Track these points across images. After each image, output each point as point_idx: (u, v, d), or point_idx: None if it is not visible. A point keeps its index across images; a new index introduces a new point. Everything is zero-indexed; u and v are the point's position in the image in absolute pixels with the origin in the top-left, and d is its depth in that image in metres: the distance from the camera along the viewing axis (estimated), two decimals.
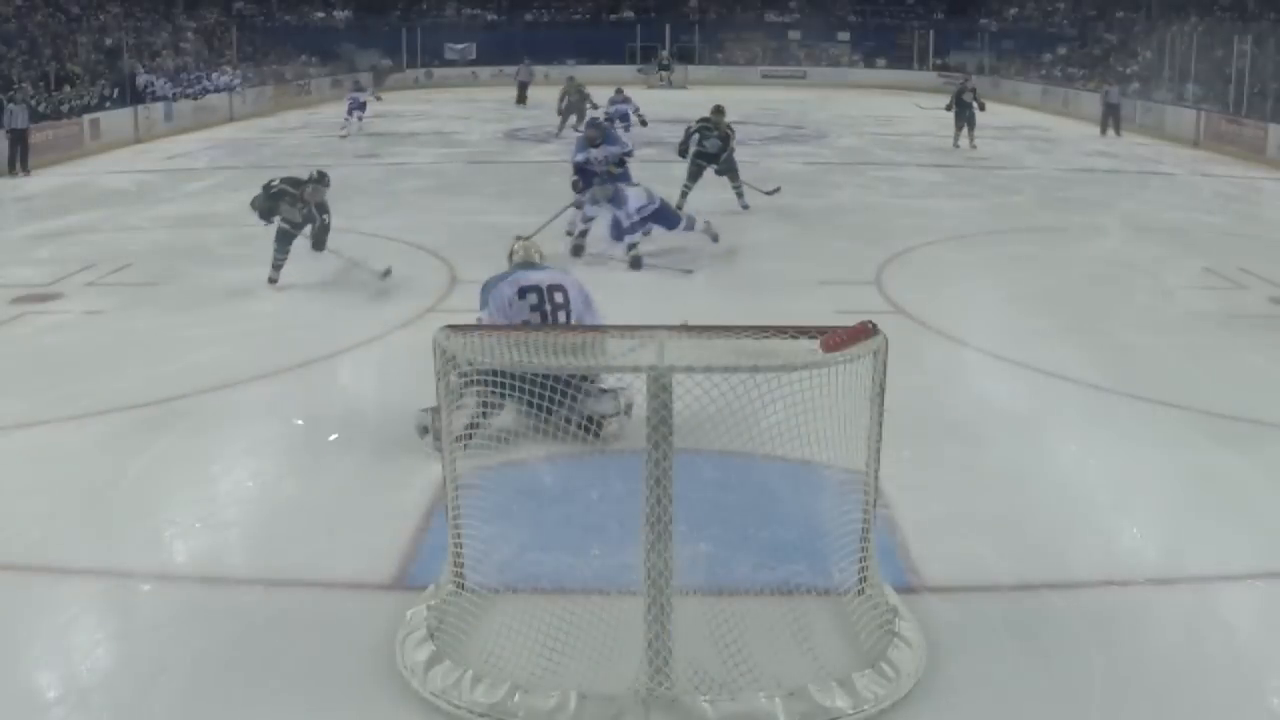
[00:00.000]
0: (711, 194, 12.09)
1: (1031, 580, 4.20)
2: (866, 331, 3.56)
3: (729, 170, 12.13)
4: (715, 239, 9.95)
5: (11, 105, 16.43)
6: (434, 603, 3.80)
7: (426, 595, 3.89)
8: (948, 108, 19.44)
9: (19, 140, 16.20)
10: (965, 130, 19.00)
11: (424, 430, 5.30)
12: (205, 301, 8.45)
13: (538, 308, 5.61)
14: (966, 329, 7.67)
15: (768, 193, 12.29)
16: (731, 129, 12.11)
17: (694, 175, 11.99)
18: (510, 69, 31.85)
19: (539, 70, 31.03)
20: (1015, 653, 3.72)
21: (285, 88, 30.50)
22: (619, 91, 19.69)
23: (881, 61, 40.59)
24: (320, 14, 41.08)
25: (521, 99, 28.95)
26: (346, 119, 21.47)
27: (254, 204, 8.61)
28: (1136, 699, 3.51)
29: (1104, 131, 22.04)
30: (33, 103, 17.87)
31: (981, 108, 19.11)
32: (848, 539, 3.82)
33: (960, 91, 19.39)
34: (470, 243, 10.64)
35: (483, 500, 3.87)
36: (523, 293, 5.64)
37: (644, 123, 18.71)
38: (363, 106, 21.86)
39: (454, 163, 17.57)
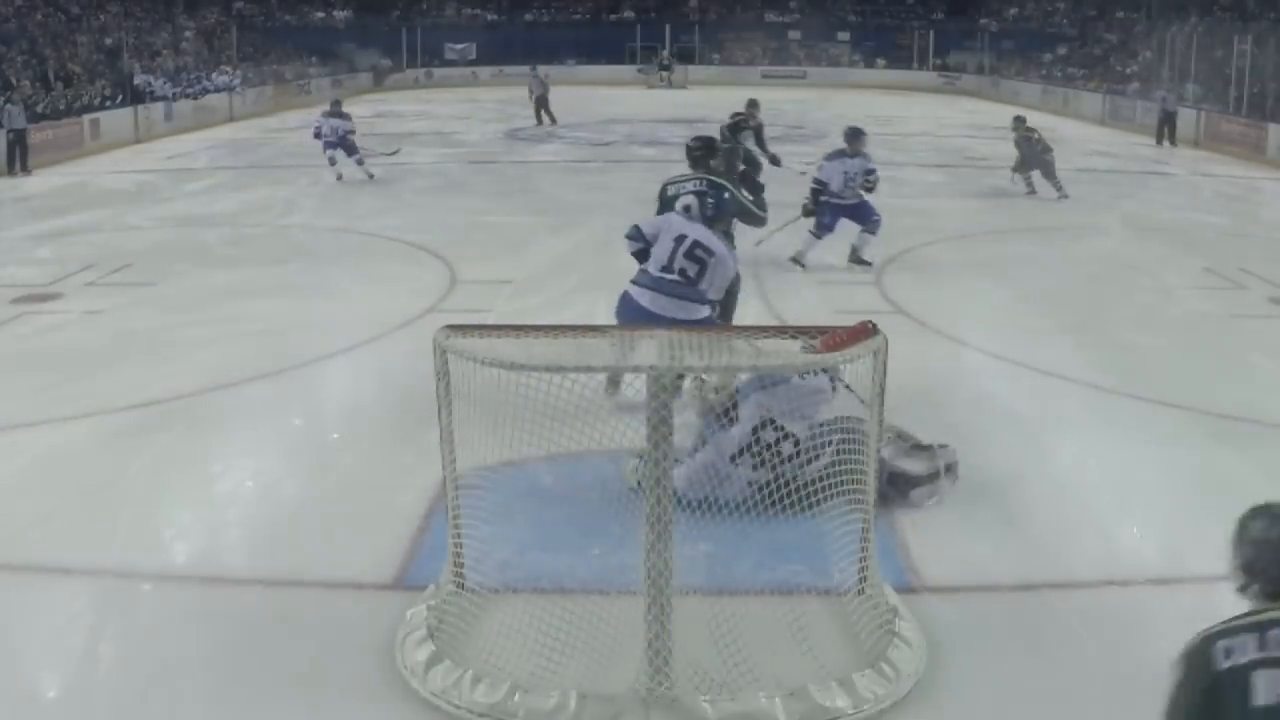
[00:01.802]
0: None
1: (1031, 580, 4.20)
2: (866, 331, 3.57)
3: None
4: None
5: (9, 106, 16.44)
6: (434, 603, 3.80)
7: (426, 595, 3.89)
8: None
9: (18, 140, 16.20)
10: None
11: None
12: (205, 301, 8.45)
13: None
14: (966, 329, 7.67)
15: None
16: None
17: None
18: (512, 70, 30.00)
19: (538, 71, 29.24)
20: (1015, 653, 3.72)
21: (285, 88, 30.50)
22: (858, 135, 9.49)
23: (881, 61, 40.62)
24: (320, 14, 41.09)
25: (544, 115, 23.45)
26: (329, 153, 14.52)
27: None
28: (1136, 699, 3.49)
29: (1160, 141, 20.27)
30: (30, 103, 17.86)
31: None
32: (848, 539, 3.82)
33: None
34: (470, 243, 10.66)
35: (483, 500, 3.87)
36: None
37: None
38: (345, 141, 14.52)
39: (454, 163, 17.57)
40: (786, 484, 3.85)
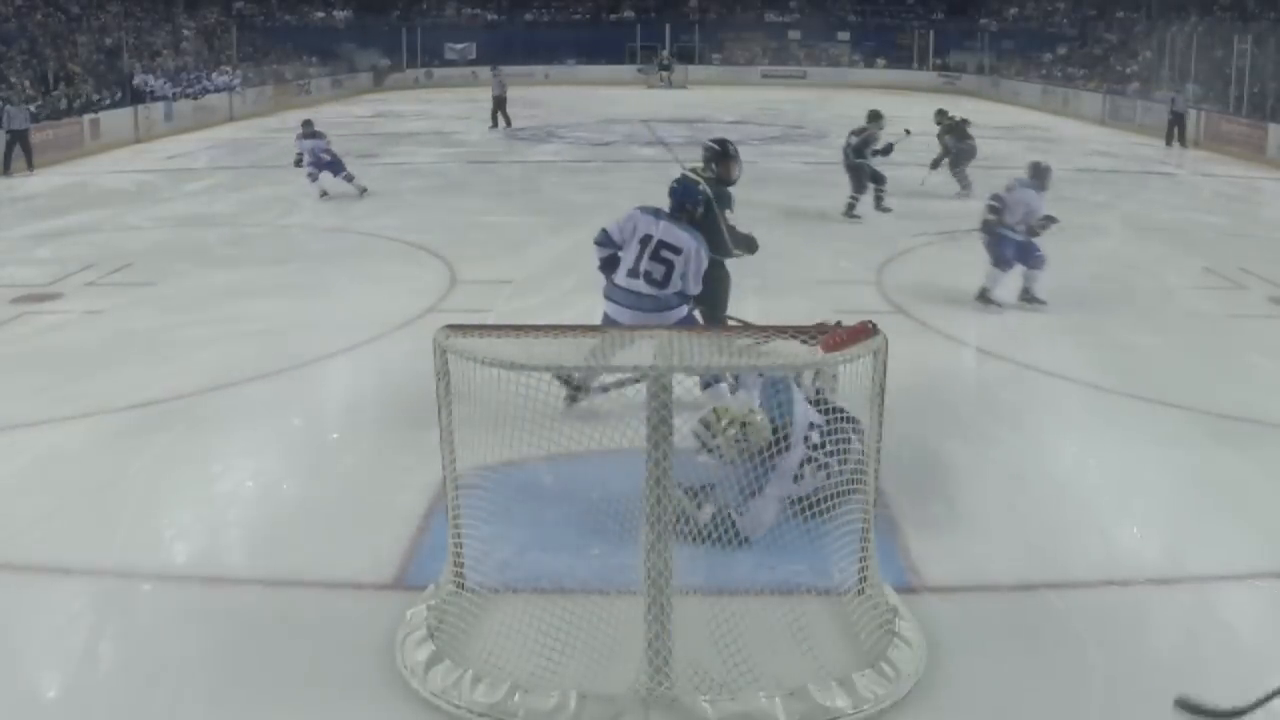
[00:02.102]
0: None
1: (1031, 580, 4.20)
2: (866, 331, 3.57)
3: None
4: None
5: (9, 107, 16.44)
6: (434, 603, 3.80)
7: (426, 595, 3.89)
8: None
9: (17, 140, 16.21)
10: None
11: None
12: (205, 301, 8.45)
13: None
14: (966, 329, 7.68)
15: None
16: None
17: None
18: (512, 70, 29.61)
19: (539, 70, 29.03)
20: (1015, 653, 3.72)
21: (285, 88, 30.52)
22: (1047, 173, 8.96)
23: (881, 61, 40.64)
24: (320, 14, 41.12)
25: (500, 118, 23.16)
26: (310, 174, 13.58)
27: None
28: (1136, 699, 3.51)
29: (1169, 143, 19.99)
30: (31, 108, 17.86)
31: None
32: (848, 539, 3.82)
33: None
34: (470, 243, 10.66)
35: (483, 500, 3.87)
36: None
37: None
38: (324, 162, 13.57)
39: (454, 163, 17.57)
40: (844, 479, 3.99)
